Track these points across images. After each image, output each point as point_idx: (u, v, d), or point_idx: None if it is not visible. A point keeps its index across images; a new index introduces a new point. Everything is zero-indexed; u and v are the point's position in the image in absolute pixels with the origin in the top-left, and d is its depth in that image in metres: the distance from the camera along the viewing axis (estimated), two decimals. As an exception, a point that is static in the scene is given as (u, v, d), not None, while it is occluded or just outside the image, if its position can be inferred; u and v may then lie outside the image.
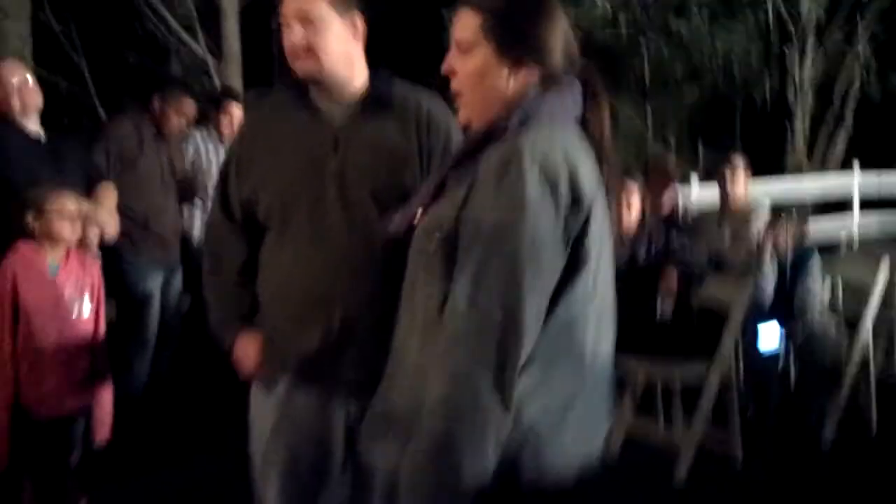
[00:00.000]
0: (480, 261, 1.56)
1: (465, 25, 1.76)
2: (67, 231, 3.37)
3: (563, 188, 1.60)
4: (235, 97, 5.79)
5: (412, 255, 1.75)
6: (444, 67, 1.79)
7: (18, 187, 3.50)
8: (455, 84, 1.80)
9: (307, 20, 2.20)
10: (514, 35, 1.74)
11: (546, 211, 1.57)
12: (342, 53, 2.26)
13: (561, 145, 1.64)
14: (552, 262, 1.59)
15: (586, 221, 1.62)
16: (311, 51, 2.21)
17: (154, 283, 4.82)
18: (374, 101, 2.32)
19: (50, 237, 3.33)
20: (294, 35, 2.21)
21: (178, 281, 5.00)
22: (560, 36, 1.75)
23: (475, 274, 1.56)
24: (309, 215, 2.25)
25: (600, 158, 1.73)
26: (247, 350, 2.37)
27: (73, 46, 9.25)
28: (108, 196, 4.16)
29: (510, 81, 1.74)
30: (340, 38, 2.25)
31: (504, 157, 1.62)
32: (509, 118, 1.70)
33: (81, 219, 3.44)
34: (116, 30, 9.73)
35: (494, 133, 1.71)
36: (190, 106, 5.02)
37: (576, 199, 1.61)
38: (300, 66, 2.24)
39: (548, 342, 1.61)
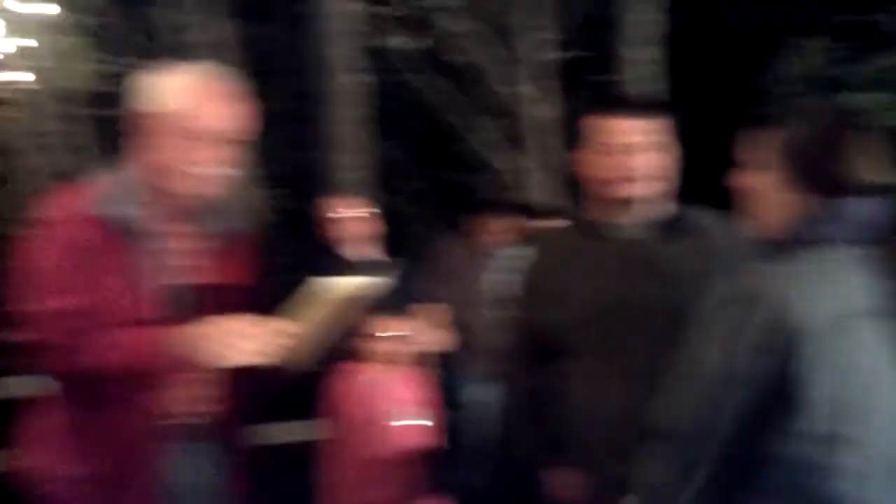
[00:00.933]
0: (676, 376, 1.75)
1: (763, 143, 1.81)
2: (391, 351, 3.57)
3: (769, 325, 1.61)
4: (554, 212, 5.95)
5: None
6: (734, 183, 1.86)
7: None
8: (742, 201, 1.86)
9: (644, 150, 2.26)
10: (807, 166, 1.75)
11: (728, 347, 1.64)
12: (661, 180, 2.31)
13: (797, 279, 1.66)
14: (740, 394, 1.63)
15: (800, 357, 1.60)
16: (649, 178, 2.27)
17: (485, 396, 4.92)
18: (671, 223, 2.33)
19: (375, 357, 3.55)
20: (635, 161, 2.25)
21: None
22: (853, 164, 1.74)
23: (672, 392, 1.75)
24: (614, 340, 2.24)
25: None
26: (561, 482, 2.35)
27: (405, 171, 9.98)
28: (436, 314, 4.37)
29: (790, 206, 1.75)
30: (662, 165, 2.31)
31: (719, 288, 1.71)
32: (771, 241, 1.77)
33: (407, 338, 3.64)
34: (442, 153, 10.39)
35: (757, 256, 1.79)
36: (503, 221, 5.18)
37: (790, 336, 1.60)
38: (625, 192, 2.27)
39: (767, 482, 1.64)
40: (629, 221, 2.30)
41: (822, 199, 1.73)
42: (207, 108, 2.15)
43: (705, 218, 2.37)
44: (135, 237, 2.14)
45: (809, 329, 1.61)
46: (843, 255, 1.72)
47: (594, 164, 2.30)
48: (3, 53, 3.40)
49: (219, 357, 2.04)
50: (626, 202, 2.28)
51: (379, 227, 4.40)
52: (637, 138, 2.25)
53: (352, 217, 4.34)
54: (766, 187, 1.79)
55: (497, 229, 5.15)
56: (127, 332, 2.09)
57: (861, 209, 1.73)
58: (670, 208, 2.34)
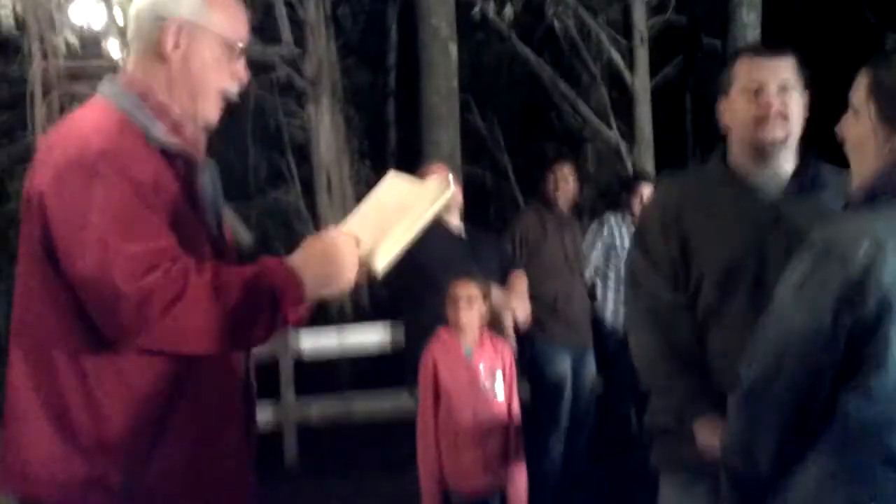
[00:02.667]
0: (758, 327, 1.75)
1: (858, 86, 1.76)
2: (474, 316, 3.62)
3: (846, 282, 1.57)
4: (646, 178, 5.87)
5: None
6: (837, 132, 1.81)
7: (437, 276, 3.83)
8: (846, 150, 1.81)
9: (784, 89, 2.27)
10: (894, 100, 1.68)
11: (812, 301, 1.60)
12: (798, 125, 2.31)
13: (875, 230, 1.58)
14: (810, 351, 1.60)
15: (884, 311, 1.55)
16: (785, 118, 2.27)
17: (565, 366, 4.94)
18: (807, 177, 2.31)
19: (459, 320, 3.59)
20: (773, 100, 2.26)
21: (590, 364, 5.08)
22: None
23: (754, 343, 1.74)
24: (752, 290, 2.21)
25: None
26: (712, 436, 2.14)
27: (496, 143, 10.01)
28: (519, 283, 4.38)
29: (888, 151, 1.68)
30: (800, 111, 2.31)
31: (808, 238, 1.67)
32: (860, 191, 1.70)
33: (490, 304, 3.68)
34: (535, 124, 10.37)
35: (846, 206, 1.74)
36: (565, 168, 5.11)
37: (867, 294, 1.56)
38: (770, 133, 2.27)
39: (841, 438, 1.60)
40: (772, 172, 2.31)
41: None
42: (236, 13, 1.86)
43: (836, 173, 2.33)
44: (194, 169, 1.82)
45: (894, 285, 1.55)
46: None
47: (741, 107, 2.30)
48: (93, 25, 3.54)
49: (337, 281, 1.78)
50: (772, 145, 2.28)
51: (460, 197, 4.42)
52: (784, 75, 2.28)
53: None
54: (859, 132, 1.74)
55: (563, 178, 5.03)
56: (235, 270, 1.73)
57: None
58: (810, 160, 2.34)
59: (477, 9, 8.57)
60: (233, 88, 1.87)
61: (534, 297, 4.49)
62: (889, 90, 1.68)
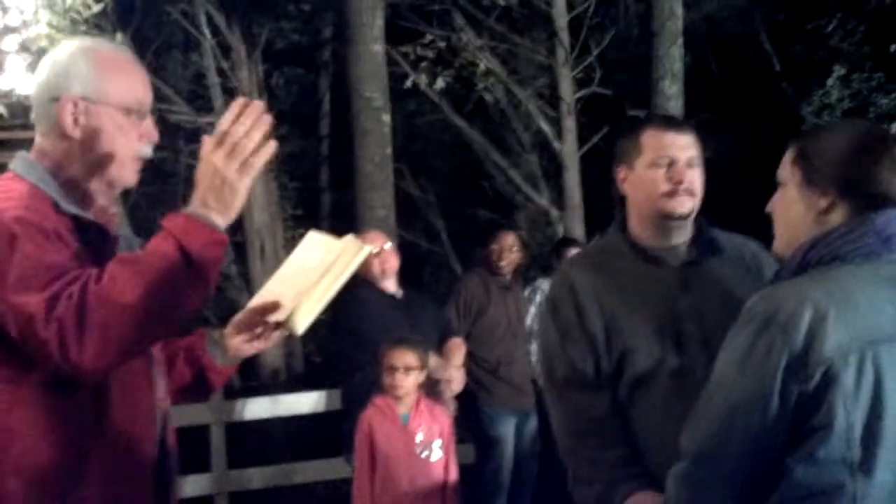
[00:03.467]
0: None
1: (784, 160, 1.82)
2: (409, 385, 3.64)
3: (790, 355, 1.60)
4: (574, 243, 6.00)
5: None
6: (767, 207, 1.86)
7: (375, 341, 3.85)
8: (774, 222, 1.85)
9: (691, 164, 2.29)
10: (819, 168, 1.74)
11: (758, 373, 1.63)
12: (700, 199, 2.33)
13: (816, 300, 1.61)
14: (758, 420, 1.63)
15: (829, 382, 1.59)
16: (692, 193, 2.29)
17: (509, 428, 4.98)
18: (705, 243, 2.35)
19: (396, 390, 3.63)
20: (684, 176, 2.27)
21: (532, 426, 5.12)
22: (883, 171, 1.70)
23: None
24: (676, 359, 2.21)
25: None
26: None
27: (430, 209, 10.14)
28: (457, 351, 4.42)
29: (813, 217, 1.74)
30: (702, 185, 2.33)
31: (747, 309, 1.69)
32: (792, 260, 1.73)
33: (427, 371, 3.70)
34: (468, 191, 10.53)
35: (778, 275, 1.76)
36: (510, 238, 5.22)
37: (812, 366, 1.59)
38: (679, 207, 2.28)
39: (788, 501, 1.61)
40: (677, 241, 2.33)
41: (842, 208, 1.71)
42: (131, 76, 1.81)
43: (731, 238, 2.41)
44: (107, 240, 1.78)
45: (838, 356, 1.59)
46: (871, 272, 1.67)
47: (650, 180, 2.30)
48: (25, 95, 3.51)
49: (233, 189, 1.63)
50: (676, 218, 2.30)
51: (397, 262, 4.47)
52: (691, 152, 2.31)
53: (388, 252, 4.42)
54: (785, 202, 1.80)
55: (504, 246, 5.13)
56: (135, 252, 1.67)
57: (891, 223, 1.69)
58: (704, 227, 2.38)
59: (410, 81, 8.74)
60: (146, 149, 1.82)
61: (478, 361, 4.54)
62: (812, 157, 1.75)
